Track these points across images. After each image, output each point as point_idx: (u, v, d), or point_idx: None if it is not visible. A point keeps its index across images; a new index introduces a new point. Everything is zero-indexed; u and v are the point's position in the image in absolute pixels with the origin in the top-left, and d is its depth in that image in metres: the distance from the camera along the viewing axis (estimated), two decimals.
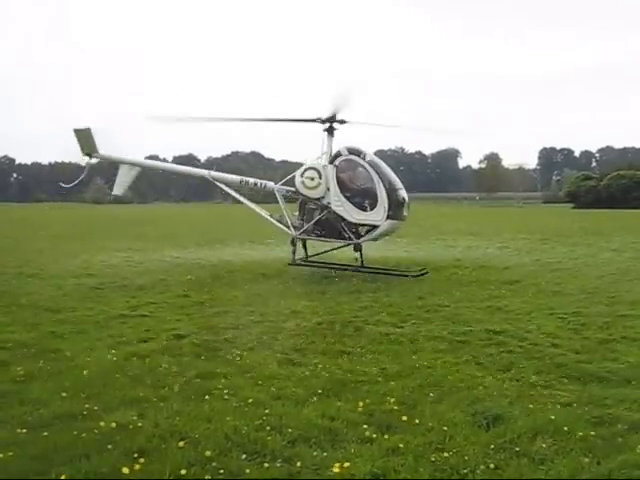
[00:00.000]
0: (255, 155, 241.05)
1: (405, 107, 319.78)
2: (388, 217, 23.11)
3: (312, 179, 23.34)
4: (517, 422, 9.17)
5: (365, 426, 8.97)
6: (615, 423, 9.22)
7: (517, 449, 8.23)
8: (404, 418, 9.21)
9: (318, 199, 23.52)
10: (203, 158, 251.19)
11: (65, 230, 53.22)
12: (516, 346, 13.59)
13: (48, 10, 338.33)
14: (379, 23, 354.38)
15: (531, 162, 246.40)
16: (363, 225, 23.58)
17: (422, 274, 23.59)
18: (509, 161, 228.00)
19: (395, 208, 23.26)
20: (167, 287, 21.51)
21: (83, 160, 26.47)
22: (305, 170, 23.64)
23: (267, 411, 9.46)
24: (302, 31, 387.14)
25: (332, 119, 23.81)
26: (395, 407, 9.73)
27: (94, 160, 26.34)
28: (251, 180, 24.72)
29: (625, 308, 17.64)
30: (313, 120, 24.05)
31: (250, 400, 9.97)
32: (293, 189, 24.31)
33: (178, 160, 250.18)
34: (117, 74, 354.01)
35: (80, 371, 11.50)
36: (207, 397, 10.13)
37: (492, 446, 8.30)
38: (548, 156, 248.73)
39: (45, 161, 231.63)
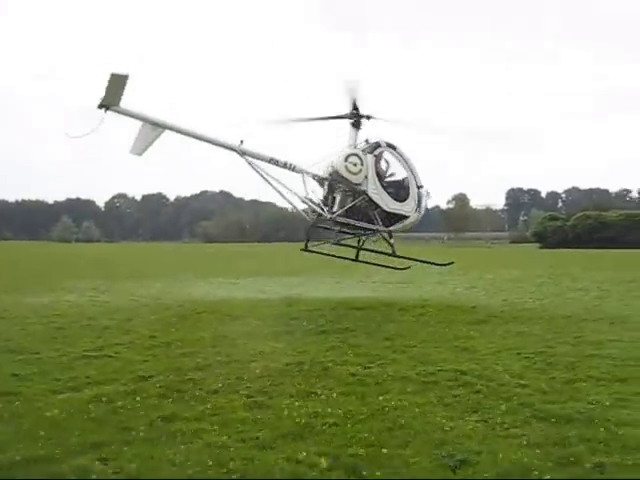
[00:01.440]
0: (224, 194, 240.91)
1: None
2: (416, 210, 24.61)
3: (355, 165, 23.76)
4: (484, 465, 9.15)
5: (330, 471, 8.89)
6: (581, 463, 9.25)
7: None
8: (370, 462, 9.15)
9: (357, 184, 23.81)
10: (172, 197, 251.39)
11: (31, 269, 52.60)
12: (483, 387, 13.58)
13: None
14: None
15: (499, 202, 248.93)
16: (395, 214, 24.40)
17: (449, 264, 28.00)
18: (477, 201, 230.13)
19: (420, 202, 24.73)
20: (133, 327, 21.27)
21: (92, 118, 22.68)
22: (348, 155, 23.93)
23: (232, 455, 9.34)
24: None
25: (359, 114, 24.46)
26: (361, 451, 9.67)
27: (110, 113, 22.81)
28: (282, 159, 23.91)
29: (590, 348, 17.74)
30: (343, 117, 24.69)
31: (215, 444, 9.85)
32: (321, 174, 24.56)
33: (147, 199, 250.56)
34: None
35: (42, 414, 11.32)
36: (171, 440, 9.99)
37: None
38: (515, 196, 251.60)
39: (12, 198, 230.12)
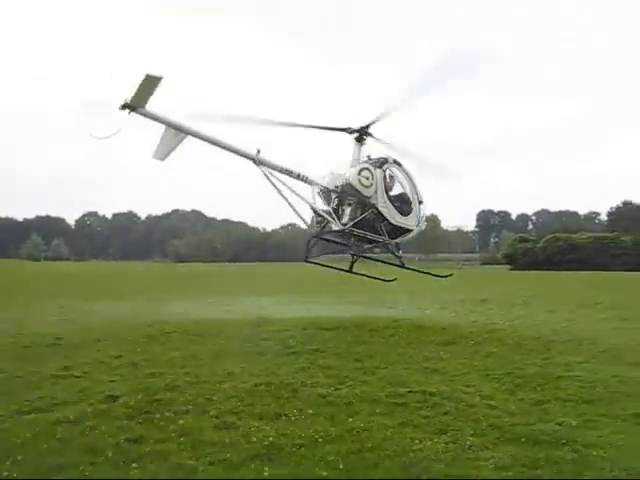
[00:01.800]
0: (196, 213, 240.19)
1: None
2: (417, 224, 25.60)
3: (367, 178, 24.31)
4: None
5: None
6: None
7: None
8: None
9: (368, 197, 24.43)
10: (143, 215, 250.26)
11: None
12: (452, 408, 13.61)
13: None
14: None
15: (470, 224, 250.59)
16: (399, 228, 25.18)
17: (449, 275, 29.45)
18: (448, 223, 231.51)
19: (421, 217, 25.74)
20: (101, 347, 21.04)
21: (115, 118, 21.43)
22: (361, 169, 24.41)
23: (200, 477, 9.26)
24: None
25: (363, 130, 25.06)
26: (328, 473, 9.64)
27: (134, 114, 21.72)
28: (295, 170, 24.12)
29: (559, 369, 17.86)
30: (345, 130, 25.17)
31: (183, 466, 9.77)
32: (331, 186, 24.72)
33: (118, 217, 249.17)
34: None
35: (7, 436, 11.15)
36: (138, 462, 9.89)
37: None
38: (486, 218, 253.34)
39: None
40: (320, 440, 11.30)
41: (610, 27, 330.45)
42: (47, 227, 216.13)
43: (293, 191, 23.90)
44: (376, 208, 24.59)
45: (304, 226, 26.00)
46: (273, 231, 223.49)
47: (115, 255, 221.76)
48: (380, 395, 14.63)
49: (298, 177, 24.19)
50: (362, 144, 25.49)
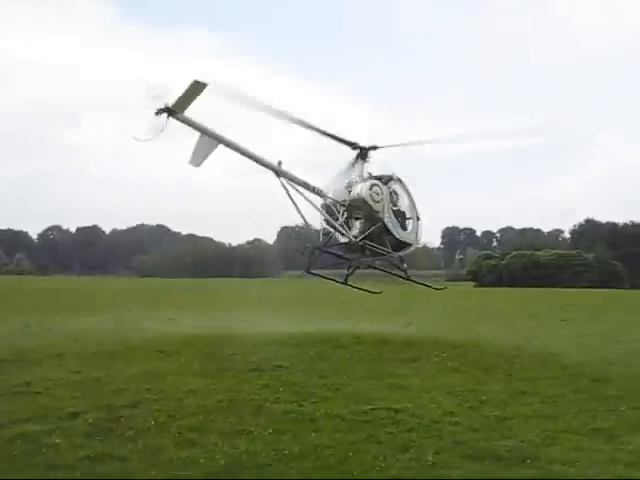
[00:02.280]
0: (161, 228, 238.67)
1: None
2: (415, 239, 26.76)
3: (377, 194, 25.03)
4: None
5: None
6: None
7: None
8: None
9: (377, 212, 25.08)
10: (108, 229, 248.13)
11: None
12: (416, 424, 13.62)
13: None
14: None
15: (435, 241, 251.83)
16: (401, 242, 25.99)
17: (443, 288, 31.18)
18: None
19: (420, 233, 26.85)
20: (63, 362, 20.75)
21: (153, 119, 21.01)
22: (372, 185, 25.10)
23: None
24: None
25: (370, 148, 25.80)
26: None
27: (172, 119, 21.26)
28: (311, 184, 24.62)
29: (522, 385, 17.99)
30: (350, 144, 25.71)
31: None
32: (340, 200, 25.31)
33: (82, 231, 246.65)
34: None
35: None
36: None
37: None
38: (451, 235, 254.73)
39: None
40: (283, 457, 11.23)
41: (567, 40, 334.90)
42: (9, 240, 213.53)
43: (311, 203, 24.61)
44: (383, 222, 25.33)
45: (317, 236, 25.77)
46: (239, 246, 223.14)
47: (79, 269, 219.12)
48: (344, 412, 14.60)
49: (313, 190, 24.74)
50: (365, 161, 26.06)
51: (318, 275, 26.85)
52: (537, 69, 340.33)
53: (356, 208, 25.13)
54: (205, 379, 18.20)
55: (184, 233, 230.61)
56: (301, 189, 24.42)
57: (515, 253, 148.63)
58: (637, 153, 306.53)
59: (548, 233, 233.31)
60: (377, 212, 25.14)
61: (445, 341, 26.69)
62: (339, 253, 26.67)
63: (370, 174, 26.05)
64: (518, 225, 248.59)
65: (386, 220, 25.35)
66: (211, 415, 14.10)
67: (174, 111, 21.14)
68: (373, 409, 14.81)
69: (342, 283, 26.66)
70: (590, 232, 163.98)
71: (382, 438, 12.59)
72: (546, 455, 11.58)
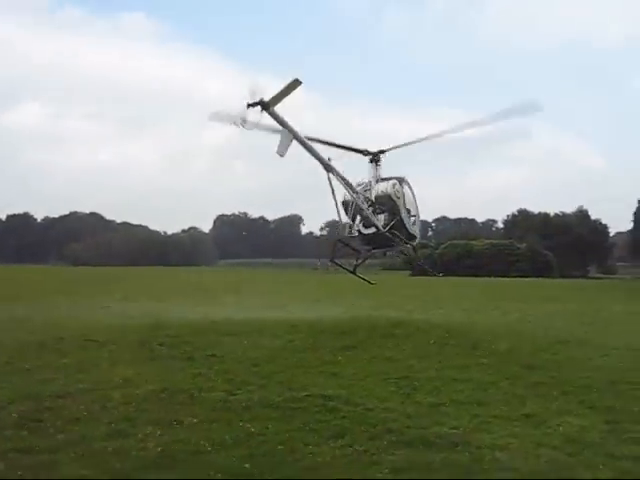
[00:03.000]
0: (95, 216, 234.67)
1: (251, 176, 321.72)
2: (418, 233, 29.49)
3: (398, 192, 27.60)
4: None
5: None
6: None
7: None
8: None
9: (398, 208, 27.43)
10: (40, 217, 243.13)
11: None
12: (349, 412, 13.67)
13: None
14: None
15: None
16: (411, 234, 28.49)
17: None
18: None
19: (420, 227, 30.08)
20: None
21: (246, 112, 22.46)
22: (394, 184, 27.62)
23: None
24: None
25: (380, 152, 27.95)
26: None
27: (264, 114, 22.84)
28: (350, 181, 26.58)
29: (454, 372, 18.21)
30: (361, 151, 27.75)
31: (73, 476, 9.49)
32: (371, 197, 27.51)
33: (12, 219, 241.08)
34: None
35: None
36: (26, 473, 9.55)
37: None
38: None
39: None
40: (216, 446, 11.17)
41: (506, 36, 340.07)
42: None
43: (352, 194, 26.54)
44: (400, 217, 27.61)
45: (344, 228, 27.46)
46: (174, 234, 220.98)
47: (9, 258, 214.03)
48: (277, 400, 14.59)
49: (350, 187, 26.59)
50: (378, 165, 28.18)
51: (339, 265, 28.48)
52: (471, 62, 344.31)
53: (381, 204, 27.43)
54: (137, 368, 17.94)
55: (118, 221, 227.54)
56: (341, 185, 26.33)
57: (449, 243, 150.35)
58: (570, 145, 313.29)
59: (482, 223, 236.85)
60: (398, 208, 27.53)
61: (379, 329, 26.81)
62: (352, 244, 28.45)
63: (379, 175, 28.21)
64: (453, 215, 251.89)
65: (403, 215, 27.74)
66: (143, 405, 13.94)
67: (268, 105, 22.46)
68: (307, 397, 14.81)
69: (351, 272, 28.54)
70: (522, 222, 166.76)
71: (315, 426, 12.60)
72: (477, 440, 11.75)
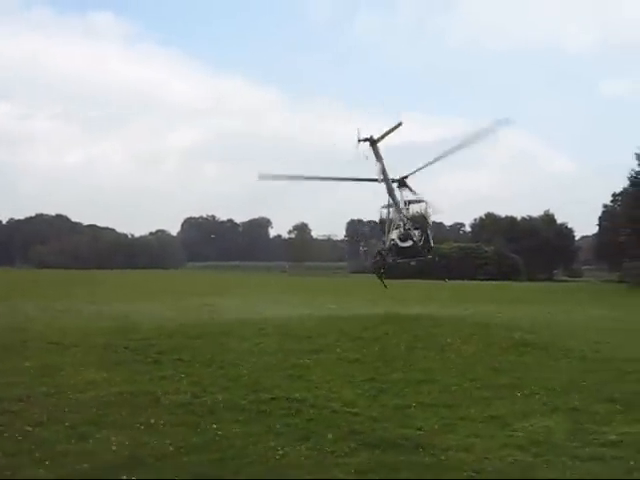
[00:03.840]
0: (61, 218, 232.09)
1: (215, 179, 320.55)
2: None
3: (427, 211, 32.07)
4: None
5: None
6: None
7: None
8: None
9: (428, 224, 32.07)
10: (5, 219, 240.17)
11: None
12: (316, 414, 13.69)
13: None
14: None
15: (340, 233, 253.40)
16: (432, 246, 32.75)
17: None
18: (318, 231, 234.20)
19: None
20: None
21: (359, 145, 28.09)
22: (426, 207, 32.00)
23: None
24: None
25: (402, 178, 31.00)
26: None
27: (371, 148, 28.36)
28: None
29: (420, 375, 18.27)
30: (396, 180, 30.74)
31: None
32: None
33: None
34: None
35: None
36: None
37: None
38: (355, 228, 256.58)
39: None
40: (182, 449, 11.11)
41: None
42: None
43: (400, 215, 30.90)
44: (427, 232, 31.76)
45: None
46: (141, 237, 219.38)
47: None
48: (243, 403, 14.57)
49: (399, 209, 30.92)
50: (403, 189, 31.50)
51: (379, 272, 33.58)
52: (442, 65, 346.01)
53: (416, 222, 31.52)
54: (102, 372, 17.75)
55: (85, 223, 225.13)
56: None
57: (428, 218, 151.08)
58: (538, 149, 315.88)
59: (450, 227, 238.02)
60: (428, 225, 32.13)
61: (344, 334, 26.78)
62: (387, 255, 32.52)
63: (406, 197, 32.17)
64: None
65: (429, 231, 32.03)
66: (108, 408, 13.82)
67: (375, 142, 27.98)
68: (273, 400, 14.81)
69: (379, 278, 33.53)
70: (490, 226, 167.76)
71: (281, 428, 12.61)
72: (442, 442, 11.83)
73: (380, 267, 33.50)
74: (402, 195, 31.62)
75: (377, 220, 33.91)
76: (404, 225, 30.84)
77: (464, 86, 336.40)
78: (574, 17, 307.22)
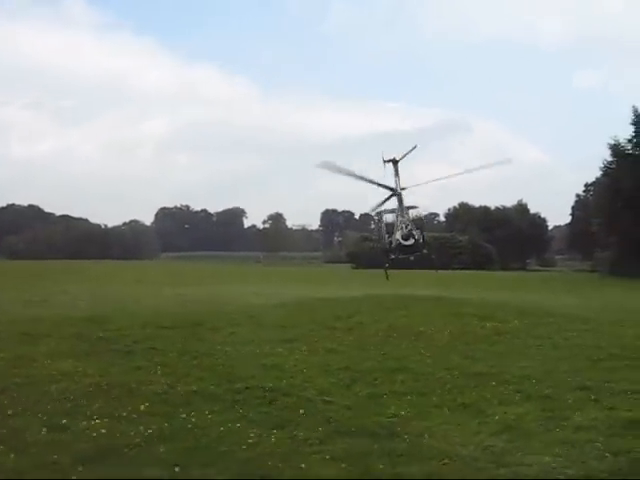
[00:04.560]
0: (33, 208, 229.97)
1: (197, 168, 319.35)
2: None
3: (422, 215, 38.03)
4: None
5: None
6: (380, 477, 9.56)
7: None
8: None
9: (424, 226, 37.31)
10: None
11: None
12: (290, 403, 13.75)
13: None
14: None
15: (314, 223, 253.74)
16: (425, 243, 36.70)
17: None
18: (293, 221, 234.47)
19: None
20: None
21: (385, 166, 33.99)
22: (420, 211, 37.49)
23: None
24: None
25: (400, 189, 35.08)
26: (161, 472, 9.51)
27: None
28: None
29: (395, 363, 18.38)
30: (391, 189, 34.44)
31: (7, 469, 9.31)
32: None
33: None
34: None
35: None
36: None
37: None
38: (330, 218, 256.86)
39: None
40: (155, 439, 11.10)
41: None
42: None
43: (404, 219, 34.97)
44: (423, 232, 35.98)
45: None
46: (115, 227, 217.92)
47: None
48: (218, 391, 14.60)
49: (404, 214, 35.22)
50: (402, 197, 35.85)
51: (386, 267, 38.93)
52: (415, 57, 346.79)
53: (415, 223, 35.64)
54: (76, 362, 17.60)
55: (58, 214, 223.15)
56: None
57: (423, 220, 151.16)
58: (511, 140, 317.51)
59: (424, 217, 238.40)
60: (424, 226, 36.79)
61: (320, 323, 26.85)
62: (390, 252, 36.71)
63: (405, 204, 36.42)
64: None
65: (424, 231, 36.62)
66: (81, 398, 13.75)
67: (397, 162, 33.16)
68: (247, 389, 14.81)
69: (385, 272, 38.53)
70: (464, 216, 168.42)
71: (255, 417, 12.65)
72: (416, 429, 11.93)
73: (386, 262, 38.47)
74: (403, 202, 36.81)
75: (375, 219, 43.34)
76: (406, 227, 35.02)
77: (440, 78, 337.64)
78: (547, 10, 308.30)
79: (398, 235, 36.34)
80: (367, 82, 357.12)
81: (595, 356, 19.79)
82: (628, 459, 10.36)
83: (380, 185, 36.06)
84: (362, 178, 34.64)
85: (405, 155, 34.12)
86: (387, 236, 38.62)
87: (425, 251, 38.55)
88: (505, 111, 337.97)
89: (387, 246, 38.42)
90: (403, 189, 36.63)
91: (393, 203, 36.49)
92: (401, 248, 36.66)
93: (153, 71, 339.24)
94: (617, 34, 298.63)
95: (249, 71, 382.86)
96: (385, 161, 34.36)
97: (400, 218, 36.35)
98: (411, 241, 36.11)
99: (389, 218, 38.49)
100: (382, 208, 38.85)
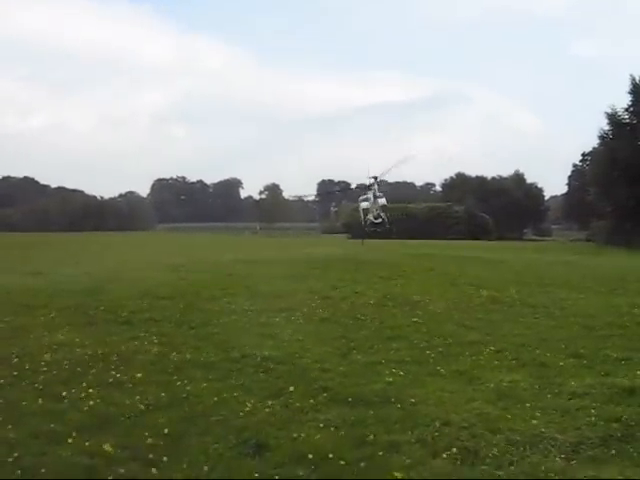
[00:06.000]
0: (28, 180, 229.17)
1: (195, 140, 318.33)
2: None
3: (387, 200, 58.91)
4: (283, 449, 9.32)
5: (128, 463, 8.73)
6: (375, 444, 9.60)
7: (277, 477, 8.41)
8: (168, 452, 9.07)
9: (387, 209, 57.84)
10: None
11: None
12: (286, 372, 13.80)
13: None
14: None
15: (310, 194, 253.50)
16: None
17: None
18: (289, 192, 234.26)
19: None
20: None
21: (369, 180, 58.67)
22: (385, 197, 56.67)
23: (21, 452, 8.91)
24: None
25: (375, 178, 56.42)
26: (161, 441, 9.55)
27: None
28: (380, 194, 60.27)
29: (390, 331, 18.45)
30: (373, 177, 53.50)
31: (3, 439, 9.37)
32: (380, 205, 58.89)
33: None
34: None
35: None
36: None
37: (256, 474, 8.38)
38: (326, 188, 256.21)
39: None
40: (151, 408, 11.19)
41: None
42: None
43: (375, 205, 58.56)
44: (387, 213, 51.38)
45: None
46: (111, 199, 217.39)
47: None
48: (214, 360, 14.66)
49: (375, 202, 55.06)
50: (376, 184, 56.90)
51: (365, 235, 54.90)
52: (411, 28, 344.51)
53: (382, 209, 52.60)
54: (73, 333, 17.64)
55: (53, 186, 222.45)
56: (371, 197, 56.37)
57: (388, 205, 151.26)
58: (509, 110, 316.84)
59: (420, 187, 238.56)
60: (387, 209, 51.68)
61: (315, 290, 26.94)
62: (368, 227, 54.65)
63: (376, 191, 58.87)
64: (391, 179, 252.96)
65: (387, 213, 50.19)
66: (77, 368, 13.79)
67: (377, 178, 49.84)
68: (243, 357, 14.90)
69: (361, 240, 52.51)
70: (460, 186, 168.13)
71: (252, 386, 12.69)
72: (411, 396, 11.99)
73: (364, 233, 52.25)
74: (375, 189, 55.63)
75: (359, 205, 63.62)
76: (376, 210, 52.50)
77: (439, 48, 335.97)
78: None
79: (370, 216, 56.03)
80: (365, 53, 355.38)
81: (590, 324, 19.88)
82: (621, 426, 10.45)
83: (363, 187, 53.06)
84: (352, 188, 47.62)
85: (385, 173, 52.80)
86: (364, 217, 58.76)
87: (388, 227, 58.48)
88: (504, 81, 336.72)
89: (364, 223, 57.69)
90: (376, 178, 56.08)
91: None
92: (373, 225, 55.77)
93: (149, 42, 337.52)
94: (616, 2, 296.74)
95: (245, 42, 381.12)
96: (370, 177, 55.23)
97: (373, 206, 56.43)
98: (379, 220, 56.31)
99: (365, 205, 59.30)
100: (362, 198, 60.38)
